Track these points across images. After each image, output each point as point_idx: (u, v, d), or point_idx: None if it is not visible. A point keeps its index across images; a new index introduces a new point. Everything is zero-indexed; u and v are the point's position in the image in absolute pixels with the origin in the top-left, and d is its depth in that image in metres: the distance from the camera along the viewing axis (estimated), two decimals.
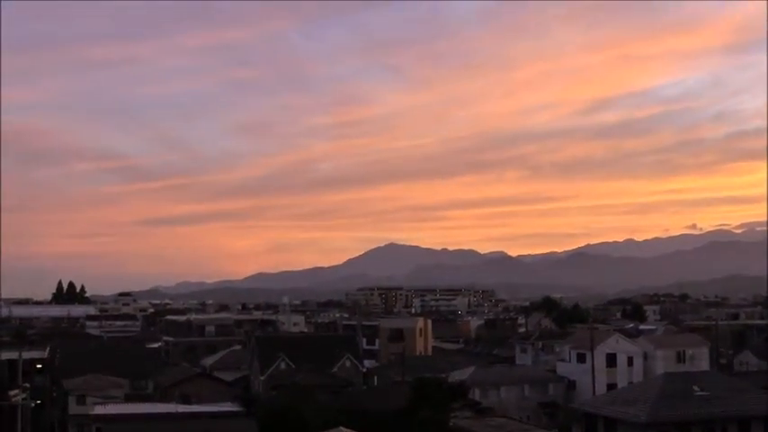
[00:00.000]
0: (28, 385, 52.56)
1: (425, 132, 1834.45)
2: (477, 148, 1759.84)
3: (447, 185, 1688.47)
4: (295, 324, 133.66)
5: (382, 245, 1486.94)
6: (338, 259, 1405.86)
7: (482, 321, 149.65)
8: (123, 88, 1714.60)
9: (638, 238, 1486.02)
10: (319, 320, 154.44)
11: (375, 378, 72.88)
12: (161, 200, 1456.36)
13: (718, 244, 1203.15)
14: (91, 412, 42.51)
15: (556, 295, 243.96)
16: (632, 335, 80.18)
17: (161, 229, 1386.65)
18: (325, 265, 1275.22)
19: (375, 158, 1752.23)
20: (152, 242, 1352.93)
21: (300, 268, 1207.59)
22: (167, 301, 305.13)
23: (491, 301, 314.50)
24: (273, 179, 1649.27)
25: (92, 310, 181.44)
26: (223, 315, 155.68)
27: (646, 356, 68.03)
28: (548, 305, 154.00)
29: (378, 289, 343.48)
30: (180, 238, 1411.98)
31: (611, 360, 66.06)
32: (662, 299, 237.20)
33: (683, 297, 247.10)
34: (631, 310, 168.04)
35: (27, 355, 58.37)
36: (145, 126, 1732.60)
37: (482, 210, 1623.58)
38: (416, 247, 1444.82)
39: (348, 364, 68.59)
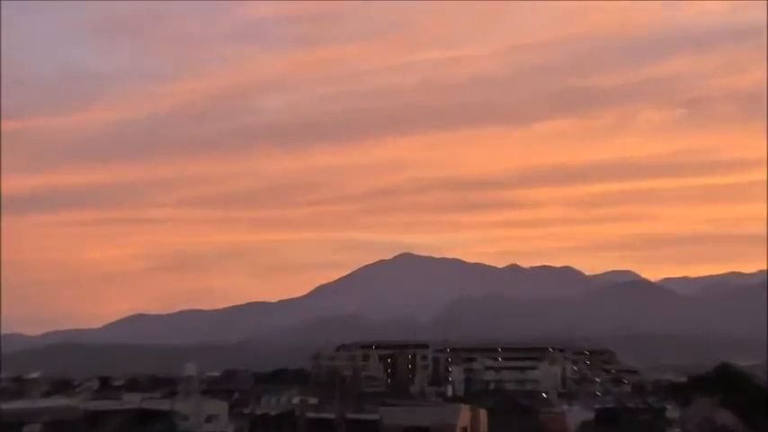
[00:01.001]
0: None
1: (468, 35, 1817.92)
2: (576, 67, 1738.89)
3: (515, 140, 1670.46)
4: (209, 419, 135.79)
5: (388, 257, 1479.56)
6: (299, 288, 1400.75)
7: (592, 413, 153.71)
8: None
9: None
10: (259, 411, 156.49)
11: None
12: None
13: None
14: None
15: (741, 362, 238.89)
16: None
17: None
18: (273, 298, 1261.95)
19: (370, 87, 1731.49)
20: None
21: (222, 306, 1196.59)
22: None
23: (609, 370, 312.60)
24: (170, 127, 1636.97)
25: None
26: (61, 401, 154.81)
27: None
28: (725, 380, 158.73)
29: (377, 346, 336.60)
30: None
31: None
32: None
33: None
34: None
35: None
36: None
37: (586, 188, 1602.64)
38: (454, 261, 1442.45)
39: None
